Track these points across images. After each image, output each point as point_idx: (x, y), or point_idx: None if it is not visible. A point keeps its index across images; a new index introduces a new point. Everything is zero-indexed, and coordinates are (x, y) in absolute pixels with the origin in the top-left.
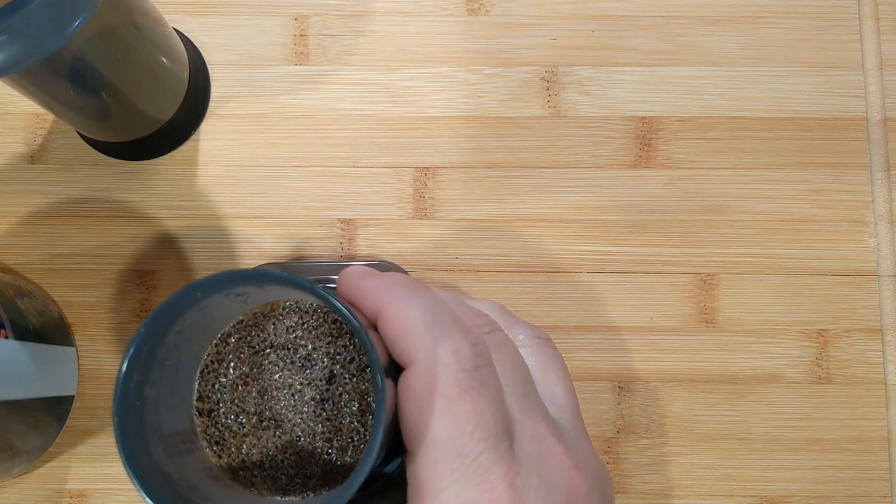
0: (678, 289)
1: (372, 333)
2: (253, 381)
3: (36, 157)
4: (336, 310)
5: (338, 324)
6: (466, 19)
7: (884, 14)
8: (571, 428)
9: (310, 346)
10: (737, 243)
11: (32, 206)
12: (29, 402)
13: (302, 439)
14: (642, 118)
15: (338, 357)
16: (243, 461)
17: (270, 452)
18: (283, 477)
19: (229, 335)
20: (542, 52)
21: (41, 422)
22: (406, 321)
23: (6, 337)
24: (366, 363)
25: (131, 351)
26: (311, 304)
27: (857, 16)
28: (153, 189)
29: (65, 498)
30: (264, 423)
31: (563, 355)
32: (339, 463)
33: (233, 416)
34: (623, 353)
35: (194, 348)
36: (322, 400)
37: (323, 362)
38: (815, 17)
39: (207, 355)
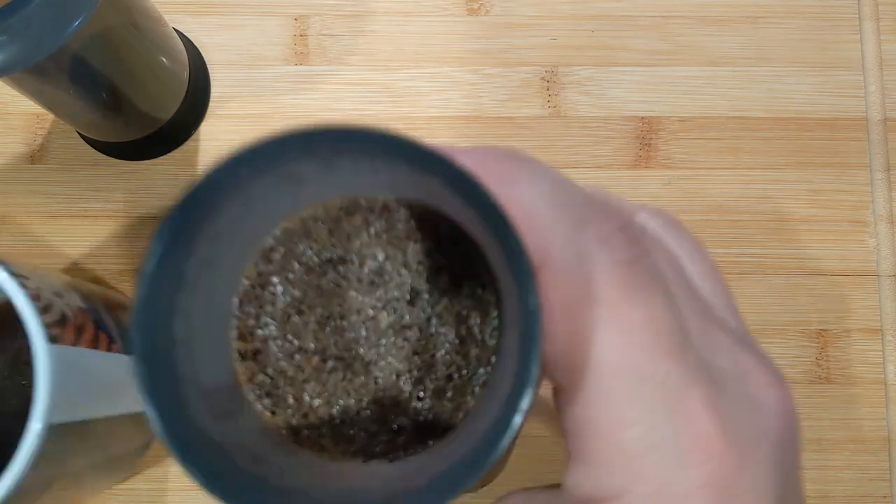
0: None
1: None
2: (309, 308)
3: (36, 157)
4: (470, 191)
5: (414, 224)
6: (466, 19)
7: (884, 14)
8: (744, 332)
9: (381, 257)
10: (737, 243)
11: (32, 205)
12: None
13: (382, 382)
14: (642, 118)
15: (419, 268)
16: (306, 416)
17: (341, 402)
18: (363, 434)
19: (272, 249)
20: (542, 52)
21: (142, 424)
22: (528, 208)
23: (118, 351)
24: (458, 273)
25: (153, 263)
26: (378, 201)
27: (858, 16)
28: (153, 189)
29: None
30: (329, 364)
31: None
32: (435, 411)
33: (286, 358)
34: None
35: (229, 267)
36: (404, 327)
37: (400, 275)
38: (816, 17)
39: (246, 279)
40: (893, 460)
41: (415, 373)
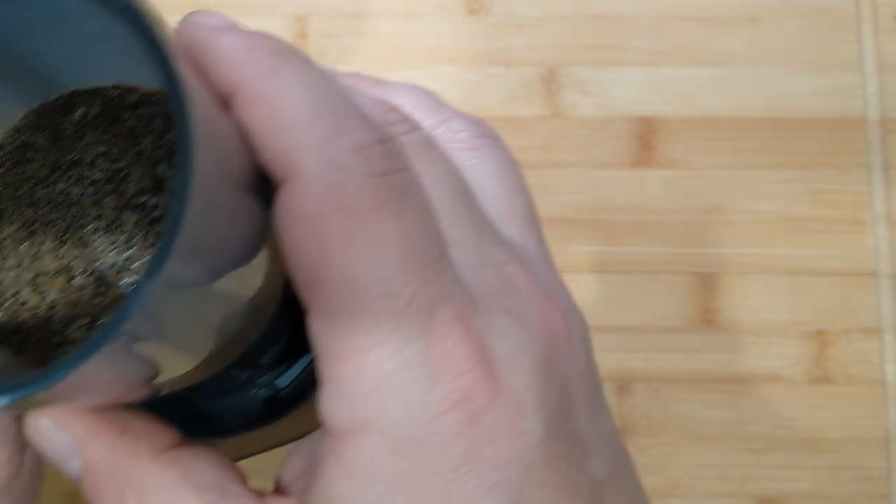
0: (678, 289)
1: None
2: (43, 225)
3: None
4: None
5: (142, 109)
6: (466, 19)
7: (882, 15)
8: (536, 253)
9: (114, 152)
10: (737, 243)
11: None
12: None
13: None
14: (642, 118)
15: (158, 153)
16: (60, 345)
17: (100, 322)
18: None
19: None
20: (542, 52)
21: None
22: (283, 106)
23: None
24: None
25: None
26: (96, 93)
27: (856, 16)
28: None
29: (64, 497)
30: (78, 282)
31: None
32: None
33: (29, 287)
34: (623, 353)
35: None
36: (153, 221)
37: (139, 168)
38: (815, 18)
39: None
40: (892, 460)
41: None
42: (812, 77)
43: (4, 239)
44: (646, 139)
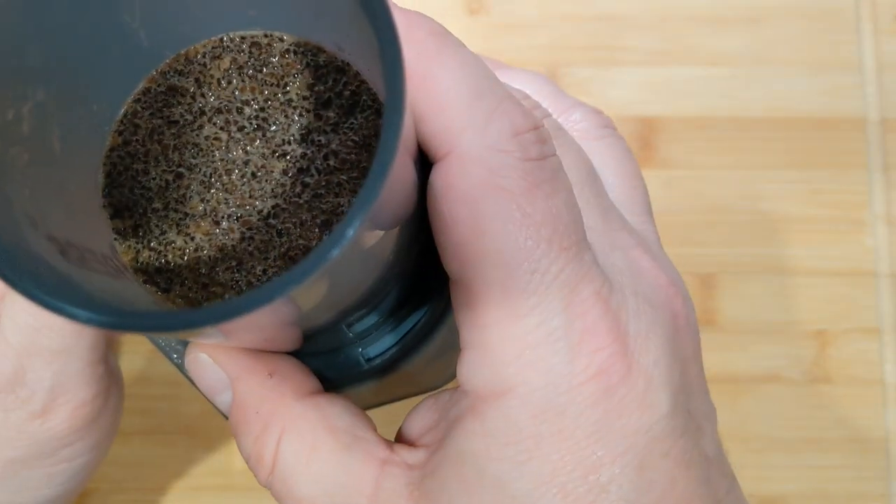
0: None
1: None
2: (189, 169)
3: None
4: None
5: (288, 58)
6: (466, 19)
7: (882, 15)
8: (654, 240)
9: (260, 99)
10: (737, 243)
11: None
12: None
13: (287, 234)
14: (642, 118)
15: (305, 103)
16: (206, 287)
17: (245, 265)
18: None
19: (136, 115)
20: (542, 52)
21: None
22: (446, 86)
23: None
24: (349, 100)
25: None
26: (243, 39)
27: (856, 16)
28: None
29: None
30: (224, 226)
31: None
32: None
33: (172, 228)
34: None
35: (77, 114)
36: (300, 170)
37: (286, 116)
38: (815, 18)
39: (112, 150)
40: (891, 460)
41: (319, 218)
42: (812, 77)
43: (151, 180)
44: (646, 139)
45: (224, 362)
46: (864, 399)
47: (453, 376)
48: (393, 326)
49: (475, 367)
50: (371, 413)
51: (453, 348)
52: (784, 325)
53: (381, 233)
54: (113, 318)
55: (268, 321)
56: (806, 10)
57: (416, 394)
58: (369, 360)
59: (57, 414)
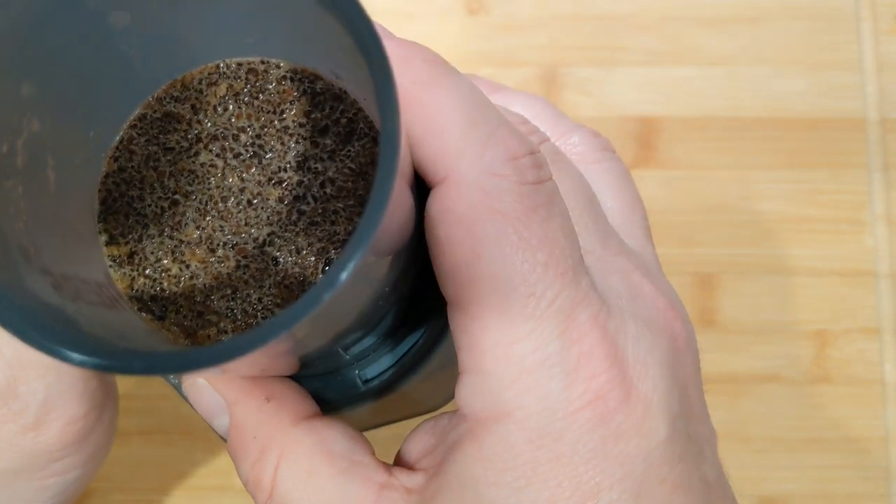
0: (678, 289)
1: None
2: (184, 196)
3: None
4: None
5: (285, 85)
6: (466, 19)
7: (881, 15)
8: (654, 263)
9: (256, 126)
10: (737, 243)
11: None
12: None
13: (283, 262)
14: (642, 118)
15: (301, 132)
16: (201, 315)
17: (240, 293)
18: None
19: (132, 141)
20: (542, 52)
21: None
22: (442, 112)
23: None
24: (345, 128)
25: None
26: (242, 66)
27: (856, 17)
28: None
29: None
30: (219, 253)
31: None
32: None
33: (167, 255)
34: None
35: (72, 142)
36: (296, 198)
37: (282, 143)
38: (814, 18)
39: (107, 176)
40: (891, 460)
41: (318, 244)
42: (812, 77)
43: (146, 207)
44: (646, 139)
45: (221, 387)
46: (864, 399)
47: (452, 397)
48: (390, 348)
49: (473, 391)
50: (370, 434)
51: (451, 369)
52: (784, 325)
53: (378, 261)
54: (104, 361)
55: (261, 358)
56: (806, 10)
57: (414, 415)
58: (367, 381)
59: (49, 428)
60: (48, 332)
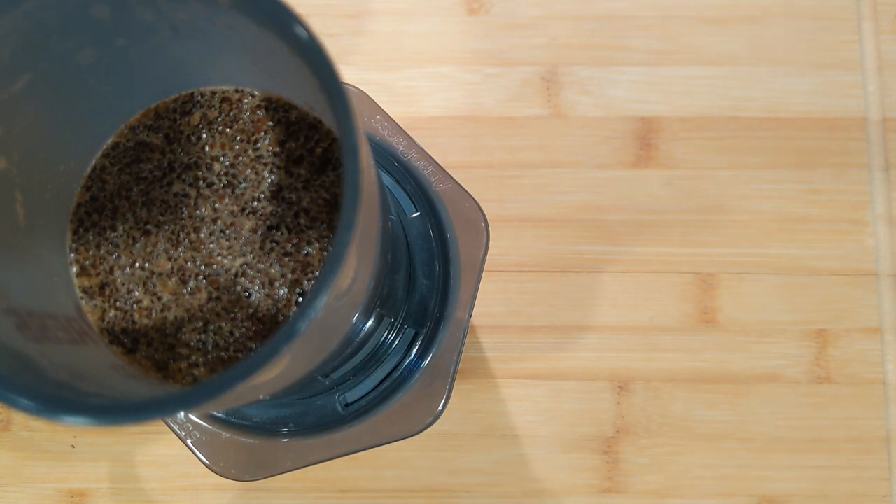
0: (678, 289)
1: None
2: (156, 226)
3: None
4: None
5: (259, 114)
6: (466, 19)
7: (883, 14)
8: None
9: (231, 155)
10: (737, 243)
11: None
12: None
13: (255, 294)
14: (642, 118)
15: (275, 160)
16: (173, 348)
17: (212, 326)
18: (242, 356)
19: (104, 169)
20: (542, 52)
21: None
22: None
23: None
24: (320, 157)
25: None
26: (213, 94)
27: (857, 16)
28: None
29: (65, 497)
30: (191, 285)
31: (563, 355)
32: None
33: (141, 287)
34: (623, 353)
35: (41, 178)
36: (270, 227)
37: (256, 173)
38: (815, 18)
39: (79, 205)
40: (893, 460)
41: (291, 275)
42: (812, 77)
43: (118, 237)
44: (646, 139)
45: None
46: (865, 399)
47: (434, 421)
48: (371, 372)
49: None
50: (355, 456)
51: (432, 392)
52: (784, 324)
53: (347, 297)
54: (61, 410)
55: (226, 401)
56: (807, 9)
57: (396, 439)
58: (348, 405)
59: None
60: (5, 378)
